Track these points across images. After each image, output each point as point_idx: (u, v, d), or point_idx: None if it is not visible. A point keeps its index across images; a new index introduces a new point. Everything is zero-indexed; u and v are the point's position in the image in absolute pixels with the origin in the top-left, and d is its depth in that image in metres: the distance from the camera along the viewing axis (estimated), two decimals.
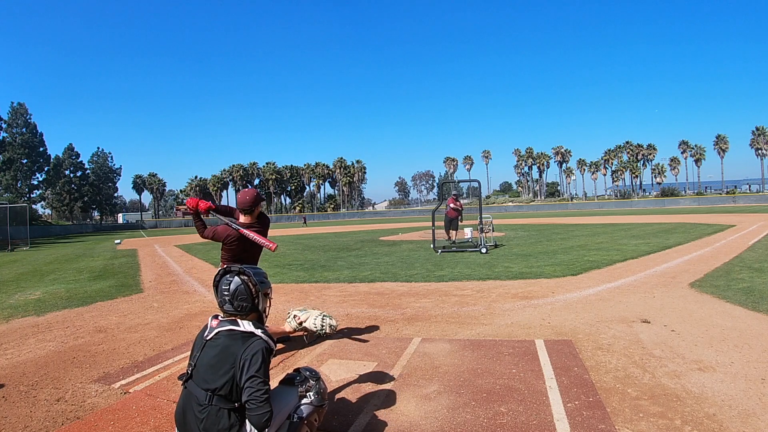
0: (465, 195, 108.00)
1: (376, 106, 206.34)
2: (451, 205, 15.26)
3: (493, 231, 15.01)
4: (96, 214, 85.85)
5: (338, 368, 3.97)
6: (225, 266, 2.40)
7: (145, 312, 6.65)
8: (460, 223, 15.99)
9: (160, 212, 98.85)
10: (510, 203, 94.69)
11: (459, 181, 19.96)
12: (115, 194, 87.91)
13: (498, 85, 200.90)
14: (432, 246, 13.75)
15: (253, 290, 2.28)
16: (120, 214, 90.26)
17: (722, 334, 4.56)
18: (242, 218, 4.11)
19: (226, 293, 2.24)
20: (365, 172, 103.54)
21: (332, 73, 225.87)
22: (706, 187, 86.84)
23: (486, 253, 12.43)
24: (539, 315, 5.50)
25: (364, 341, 4.74)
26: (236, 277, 2.27)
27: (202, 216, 4.15)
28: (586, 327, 4.92)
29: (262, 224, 4.15)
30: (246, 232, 3.93)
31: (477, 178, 18.16)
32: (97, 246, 24.88)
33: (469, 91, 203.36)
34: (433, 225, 14.43)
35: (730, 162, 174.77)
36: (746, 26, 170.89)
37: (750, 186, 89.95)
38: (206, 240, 4.16)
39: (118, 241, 27.12)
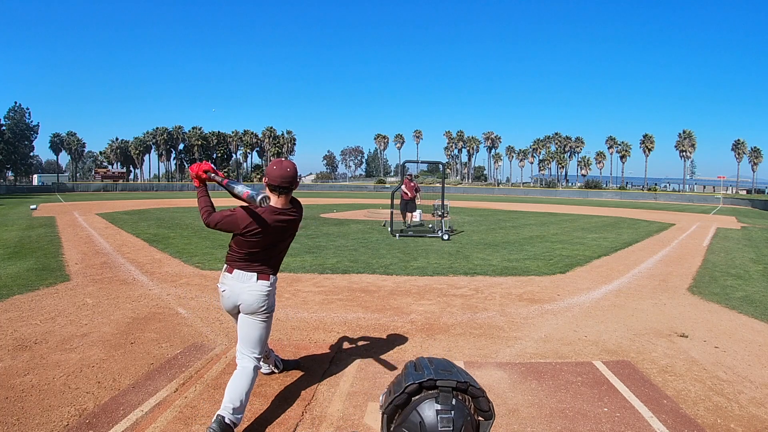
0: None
1: (309, 76, 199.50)
2: (404, 188, 14.55)
3: (448, 215, 14.66)
4: (10, 175, 75.94)
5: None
6: (407, 385, 0.90)
7: (79, 312, 5.13)
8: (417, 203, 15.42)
9: (78, 174, 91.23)
10: (437, 184, 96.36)
11: (422, 162, 19.32)
12: (31, 153, 78.28)
13: (432, 67, 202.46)
14: (390, 229, 13.03)
15: (476, 418, 0.96)
16: (35, 175, 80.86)
17: (760, 350, 4.41)
18: (272, 199, 2.82)
19: None
20: (295, 143, 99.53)
21: (264, 40, 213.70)
22: (627, 183, 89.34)
23: (448, 240, 11.98)
24: (567, 325, 4.98)
25: (393, 367, 3.83)
26: (455, 401, 0.90)
27: (207, 187, 2.92)
28: (628, 342, 4.48)
29: (299, 213, 2.92)
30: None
31: (440, 160, 17.48)
32: (11, 212, 20.89)
33: (403, 71, 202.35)
34: (392, 207, 13.72)
35: (655, 161, 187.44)
36: (683, 34, 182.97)
37: (669, 184, 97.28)
38: (212, 229, 2.85)
39: (34, 206, 23.23)
